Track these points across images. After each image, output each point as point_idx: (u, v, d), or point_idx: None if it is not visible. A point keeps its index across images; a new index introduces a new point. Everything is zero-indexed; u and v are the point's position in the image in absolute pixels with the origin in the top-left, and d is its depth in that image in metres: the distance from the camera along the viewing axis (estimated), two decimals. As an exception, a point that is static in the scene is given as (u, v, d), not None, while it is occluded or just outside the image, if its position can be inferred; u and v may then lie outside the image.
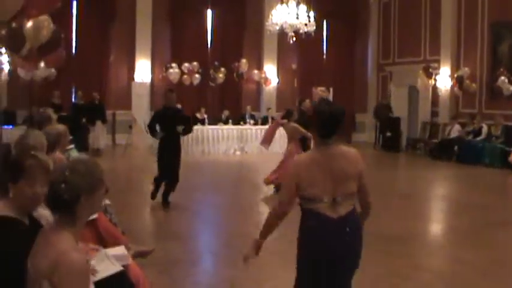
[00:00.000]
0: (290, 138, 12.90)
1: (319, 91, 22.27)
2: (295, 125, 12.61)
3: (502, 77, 19.22)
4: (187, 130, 11.65)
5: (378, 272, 7.03)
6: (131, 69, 22.48)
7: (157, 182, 11.40)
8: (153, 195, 11.38)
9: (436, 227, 10.41)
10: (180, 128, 11.05)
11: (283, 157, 12.82)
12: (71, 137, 7.42)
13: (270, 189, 12.91)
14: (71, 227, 3.04)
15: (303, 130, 12.14)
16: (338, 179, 4.15)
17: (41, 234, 3.12)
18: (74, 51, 21.72)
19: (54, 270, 2.84)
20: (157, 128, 11.33)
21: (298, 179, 4.16)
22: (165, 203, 11.09)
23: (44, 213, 3.86)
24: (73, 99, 21.10)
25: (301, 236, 4.42)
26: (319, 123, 4.20)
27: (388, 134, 22.81)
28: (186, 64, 22.05)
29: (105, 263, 3.69)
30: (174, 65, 22.02)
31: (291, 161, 9.43)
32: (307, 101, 14.33)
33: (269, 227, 4.50)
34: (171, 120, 11.04)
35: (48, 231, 3.08)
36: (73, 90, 21.61)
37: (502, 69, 19.49)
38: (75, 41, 21.82)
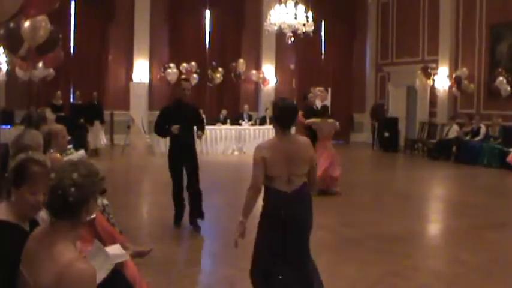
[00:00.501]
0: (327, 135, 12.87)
1: (318, 91, 22.30)
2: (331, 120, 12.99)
3: (500, 78, 19.23)
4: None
5: (377, 271, 7.03)
6: (129, 69, 22.48)
7: (174, 197, 9.32)
8: (177, 218, 9.36)
9: (435, 227, 10.40)
10: (200, 133, 9.37)
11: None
12: (69, 138, 7.40)
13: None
14: (71, 232, 2.99)
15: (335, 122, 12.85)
16: (293, 161, 5.10)
17: (34, 239, 3.06)
18: (72, 51, 21.70)
19: (59, 282, 2.79)
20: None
21: (264, 160, 5.04)
22: (194, 225, 9.15)
23: (41, 215, 3.83)
24: (71, 99, 21.07)
25: (264, 208, 5.22)
26: (281, 117, 5.18)
27: (386, 134, 22.81)
28: (184, 64, 22.07)
29: (102, 258, 3.66)
30: (172, 65, 22.03)
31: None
32: (311, 95, 14.27)
33: (248, 204, 5.20)
34: (184, 119, 9.09)
35: (44, 238, 3.00)
36: (71, 90, 21.61)
37: (500, 70, 19.51)
38: (73, 41, 21.81)
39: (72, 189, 2.91)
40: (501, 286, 6.68)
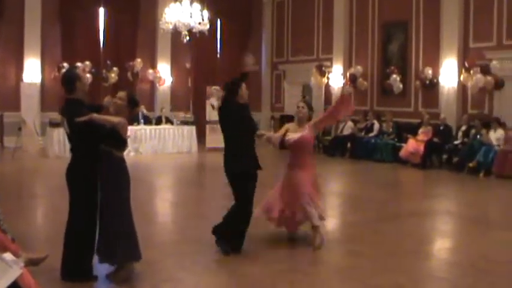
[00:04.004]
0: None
1: (214, 90, 22.32)
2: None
3: (394, 75, 19.84)
4: None
5: (278, 268, 7.08)
6: (19, 69, 21.64)
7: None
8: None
9: (332, 222, 10.56)
10: None
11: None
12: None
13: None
14: None
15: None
16: None
17: None
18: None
19: None
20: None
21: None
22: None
23: None
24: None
25: (119, 172, 6.48)
26: (134, 104, 6.77)
27: (282, 132, 23.04)
28: (78, 64, 21.46)
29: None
30: (65, 64, 21.38)
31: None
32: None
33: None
34: None
35: None
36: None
37: (392, 68, 20.13)
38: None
39: None
40: (397, 276, 6.85)
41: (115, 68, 22.48)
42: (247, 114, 7.87)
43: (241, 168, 7.65)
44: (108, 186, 6.44)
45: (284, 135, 8.31)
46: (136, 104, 6.89)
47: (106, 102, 7.15)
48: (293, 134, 8.29)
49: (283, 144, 8.33)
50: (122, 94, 6.74)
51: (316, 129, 9.01)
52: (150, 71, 23.81)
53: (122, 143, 6.53)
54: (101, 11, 23.18)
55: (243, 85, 7.86)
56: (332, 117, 9.17)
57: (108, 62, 22.48)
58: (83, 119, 6.15)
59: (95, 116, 6.32)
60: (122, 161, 6.57)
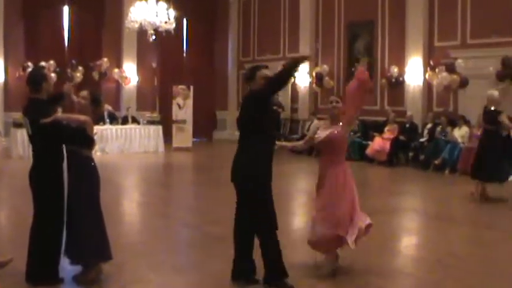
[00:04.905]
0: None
1: (180, 89, 22.28)
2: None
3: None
4: None
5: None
6: (-18, 69, 21.34)
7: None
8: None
9: (299, 221, 10.62)
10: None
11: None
12: None
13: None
14: None
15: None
16: None
17: None
18: None
19: None
20: None
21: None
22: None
23: None
24: None
25: (87, 171, 6.42)
26: (97, 103, 6.73)
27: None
28: (43, 63, 21.17)
29: None
30: (30, 64, 21.08)
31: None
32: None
33: None
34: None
35: None
36: None
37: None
38: None
39: None
40: (365, 273, 6.95)
41: (80, 68, 22.22)
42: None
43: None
44: (77, 186, 6.36)
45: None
46: (99, 103, 6.82)
47: (66, 89, 7.11)
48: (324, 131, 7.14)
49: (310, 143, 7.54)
50: (84, 93, 6.67)
51: (349, 127, 7.51)
52: (116, 70, 23.59)
53: (89, 142, 6.44)
54: (65, 9, 22.93)
55: (263, 70, 6.57)
56: (358, 107, 7.31)
57: (73, 61, 22.22)
58: (48, 120, 6.05)
59: (60, 116, 6.23)
60: (91, 160, 6.49)
